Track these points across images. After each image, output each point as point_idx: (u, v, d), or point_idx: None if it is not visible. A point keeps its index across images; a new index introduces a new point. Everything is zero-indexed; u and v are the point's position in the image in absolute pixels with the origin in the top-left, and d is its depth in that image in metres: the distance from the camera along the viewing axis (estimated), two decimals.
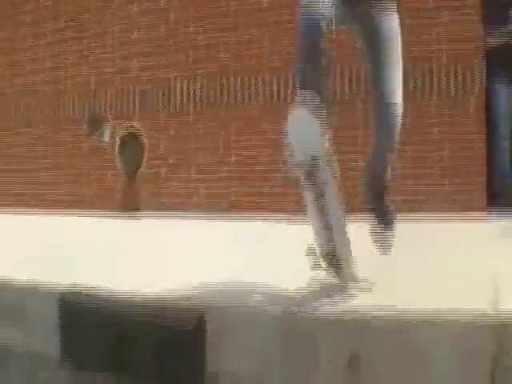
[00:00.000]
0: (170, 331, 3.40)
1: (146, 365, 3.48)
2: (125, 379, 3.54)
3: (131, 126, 5.33)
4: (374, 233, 3.33)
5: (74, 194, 5.70)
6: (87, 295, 3.72)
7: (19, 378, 3.81)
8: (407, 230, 4.25)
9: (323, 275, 3.02)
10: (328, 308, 3.12)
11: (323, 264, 2.94)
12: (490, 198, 4.82)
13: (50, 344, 3.90)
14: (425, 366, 2.95)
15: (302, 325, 3.14)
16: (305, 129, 2.77)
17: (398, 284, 3.36)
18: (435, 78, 4.76)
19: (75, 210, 5.48)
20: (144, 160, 5.10)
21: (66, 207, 5.62)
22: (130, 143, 5.23)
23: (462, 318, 2.99)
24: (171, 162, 5.27)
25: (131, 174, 5.14)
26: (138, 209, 5.16)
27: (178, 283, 3.65)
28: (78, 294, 3.76)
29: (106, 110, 5.67)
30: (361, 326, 3.07)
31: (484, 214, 4.59)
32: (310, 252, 2.92)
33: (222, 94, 5.23)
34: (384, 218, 3.33)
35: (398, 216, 4.45)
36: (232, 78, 5.19)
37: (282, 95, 5.18)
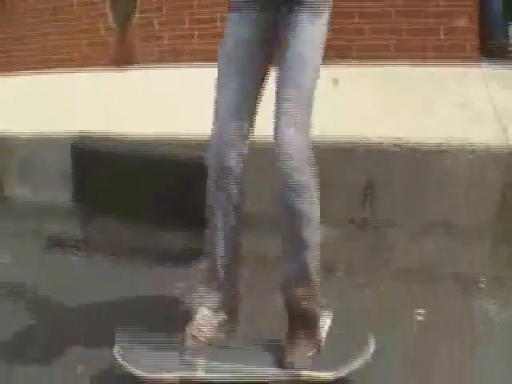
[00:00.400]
0: (182, 168, 3.45)
1: (158, 204, 3.57)
2: (137, 220, 3.63)
3: None
4: None
5: (69, 52, 5.61)
6: (97, 140, 3.77)
7: (29, 231, 3.91)
8: (404, 72, 4.31)
9: None
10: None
11: None
12: (483, 49, 4.88)
13: (60, 194, 3.98)
14: (437, 190, 3.12)
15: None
16: None
17: (405, 117, 3.46)
18: None
19: (72, 68, 5.43)
20: (136, 9, 4.98)
21: (60, 65, 5.55)
22: None
23: (471, 147, 3.12)
24: (164, 12, 5.22)
25: (124, 25, 5.02)
26: (134, 62, 5.10)
27: (185, 125, 3.69)
28: (87, 140, 3.81)
29: None
30: (375, 154, 3.20)
31: (477, 61, 4.66)
32: None
33: None
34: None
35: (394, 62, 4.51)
36: None
37: None
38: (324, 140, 3.26)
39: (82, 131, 3.81)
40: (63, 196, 3.93)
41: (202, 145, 3.43)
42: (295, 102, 2.21)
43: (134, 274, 3.34)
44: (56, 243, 3.74)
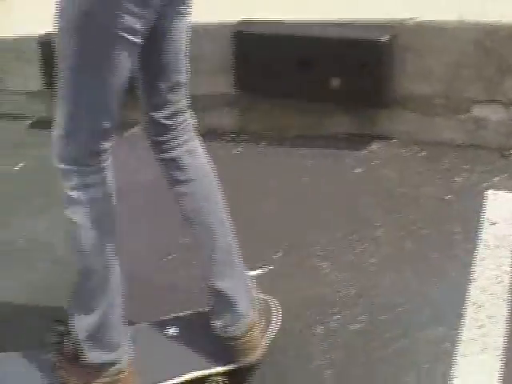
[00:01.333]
0: (357, 49, 3.33)
1: (325, 88, 3.47)
2: (302, 105, 3.59)
3: None
4: None
5: None
6: (260, 26, 3.66)
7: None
8: None
9: None
10: None
11: None
12: None
13: (219, 85, 3.88)
14: None
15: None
16: None
17: None
18: None
19: None
20: None
21: None
22: None
23: None
24: None
25: None
26: None
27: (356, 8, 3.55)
28: (250, 26, 3.69)
29: None
30: None
31: None
32: None
33: None
34: None
35: None
36: None
37: None
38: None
39: (242, 19, 3.75)
40: (222, 86, 3.87)
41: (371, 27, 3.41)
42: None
43: (300, 161, 3.35)
44: (218, 134, 3.74)
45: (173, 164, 1.99)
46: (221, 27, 3.77)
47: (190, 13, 1.89)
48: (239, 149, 3.62)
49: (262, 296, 2.20)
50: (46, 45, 4.63)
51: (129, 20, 1.61)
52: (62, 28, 1.63)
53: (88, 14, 1.57)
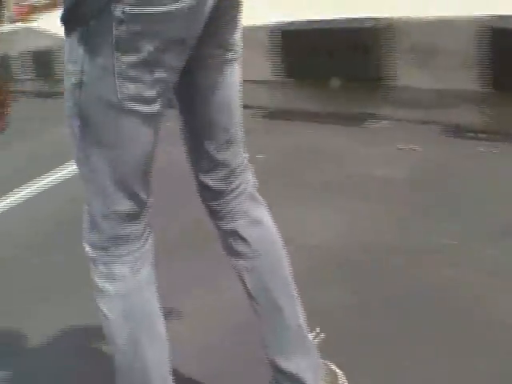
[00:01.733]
0: None
1: None
2: None
3: None
4: None
5: None
6: None
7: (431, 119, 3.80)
8: None
9: None
10: None
11: None
12: None
13: (463, 81, 3.83)
14: None
15: None
16: None
17: None
18: None
19: None
20: None
21: None
22: None
23: None
24: None
25: None
26: None
27: None
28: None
29: None
30: None
31: None
32: None
33: None
34: None
35: None
36: None
37: None
38: None
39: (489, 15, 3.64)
40: (466, 83, 3.80)
41: None
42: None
43: None
44: (462, 131, 3.61)
45: (232, 235, 1.71)
46: (468, 22, 3.69)
47: (237, 58, 1.60)
48: (484, 147, 3.41)
49: (324, 362, 1.92)
50: (287, 34, 4.69)
51: (132, 88, 1.34)
52: (67, 107, 1.42)
53: (85, 86, 1.36)
